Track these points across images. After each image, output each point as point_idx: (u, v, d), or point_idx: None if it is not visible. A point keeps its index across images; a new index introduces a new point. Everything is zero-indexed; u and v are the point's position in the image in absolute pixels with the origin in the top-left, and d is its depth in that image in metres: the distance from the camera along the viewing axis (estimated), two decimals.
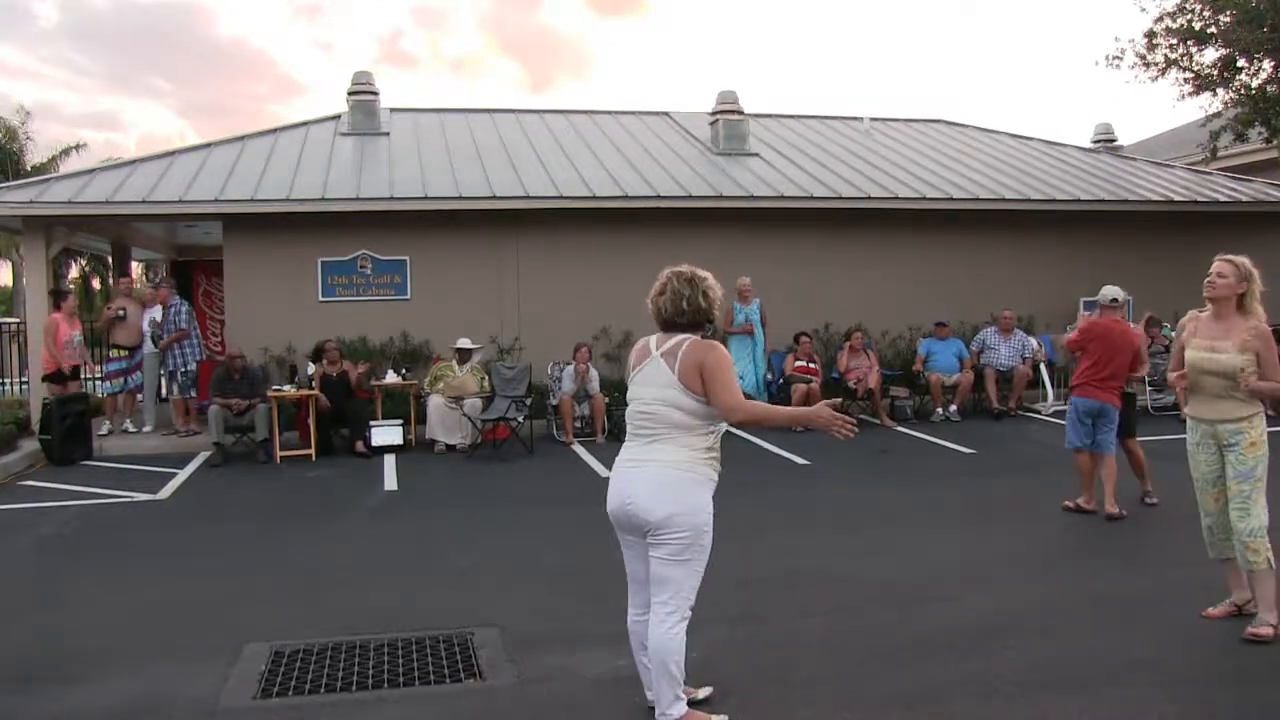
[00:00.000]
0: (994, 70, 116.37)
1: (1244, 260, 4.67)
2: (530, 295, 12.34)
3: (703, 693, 3.85)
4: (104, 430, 11.29)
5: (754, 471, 9.06)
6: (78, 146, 26.07)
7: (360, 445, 10.44)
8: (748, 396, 13.45)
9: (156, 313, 11.46)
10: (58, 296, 11.47)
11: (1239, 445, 4.63)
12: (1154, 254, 13.96)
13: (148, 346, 11.45)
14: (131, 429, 11.58)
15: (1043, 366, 12.69)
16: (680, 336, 3.65)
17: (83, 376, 11.64)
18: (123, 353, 11.50)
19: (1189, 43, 13.48)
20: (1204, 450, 4.80)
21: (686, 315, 3.66)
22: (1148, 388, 11.97)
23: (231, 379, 10.46)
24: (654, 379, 3.64)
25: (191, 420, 11.37)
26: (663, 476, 3.58)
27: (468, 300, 12.12)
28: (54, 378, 10.86)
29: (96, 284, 28.89)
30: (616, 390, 11.25)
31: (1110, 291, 7.35)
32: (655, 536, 3.60)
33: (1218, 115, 14.05)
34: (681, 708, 3.69)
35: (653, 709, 3.79)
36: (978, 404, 12.45)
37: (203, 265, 16.28)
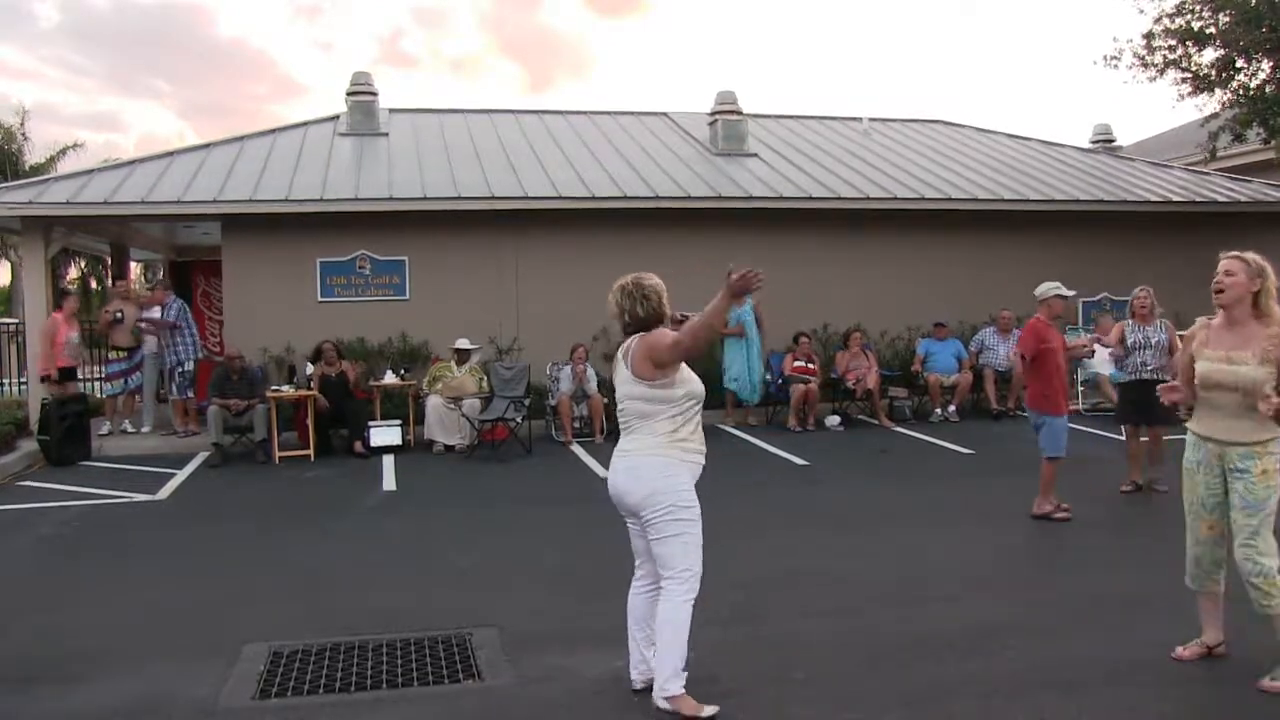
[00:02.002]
0: (994, 70, 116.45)
1: (1253, 255, 4.15)
2: (529, 295, 12.34)
3: (708, 711, 3.85)
4: (104, 431, 11.29)
5: (753, 472, 9.06)
6: (74, 146, 26.07)
7: (359, 445, 10.44)
8: (742, 400, 13.21)
9: (154, 314, 11.45)
10: (60, 297, 11.45)
11: (1249, 473, 4.06)
12: (1152, 254, 13.95)
13: (147, 348, 11.45)
14: (130, 429, 11.58)
15: None
16: (632, 338, 3.99)
17: (80, 377, 11.62)
18: (122, 354, 11.50)
19: (1187, 43, 13.48)
20: (1205, 471, 4.23)
21: (632, 326, 4.00)
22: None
23: (230, 379, 10.46)
24: (621, 378, 4.02)
25: (190, 421, 11.37)
26: (637, 462, 3.91)
27: (467, 300, 12.12)
28: (61, 378, 10.90)
29: (94, 285, 28.87)
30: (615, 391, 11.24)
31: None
32: (642, 518, 3.89)
33: (1216, 116, 14.06)
34: (679, 685, 3.84)
35: (638, 690, 4.00)
36: (976, 404, 12.46)
37: (202, 266, 16.27)
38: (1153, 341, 7.73)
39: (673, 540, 3.85)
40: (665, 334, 3.89)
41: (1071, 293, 7.47)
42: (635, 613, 4.08)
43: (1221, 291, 4.17)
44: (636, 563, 4.12)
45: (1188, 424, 4.37)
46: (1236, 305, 4.15)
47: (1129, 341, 7.83)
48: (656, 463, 3.86)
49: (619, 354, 4.02)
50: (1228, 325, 4.20)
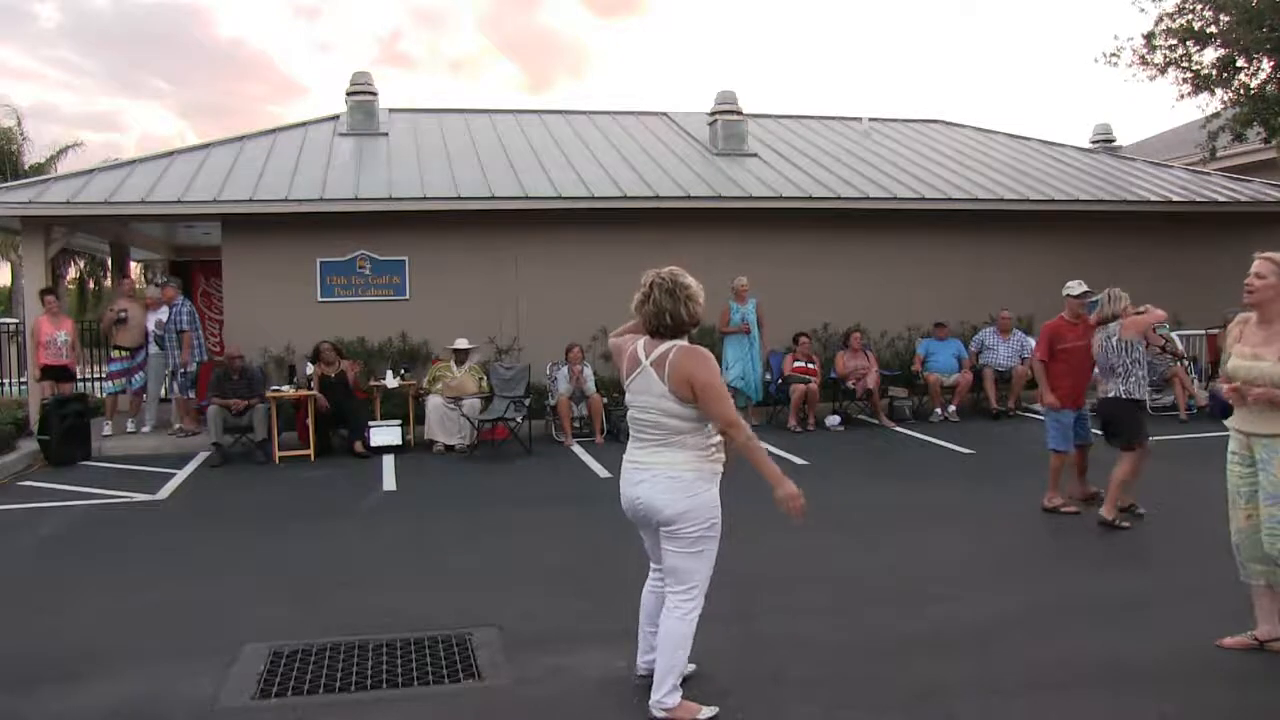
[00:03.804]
0: (994, 70, 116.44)
1: None
2: (529, 295, 12.34)
3: (706, 712, 3.86)
4: (107, 430, 11.28)
5: (753, 471, 9.01)
6: (74, 145, 26.03)
7: (359, 445, 10.43)
8: (746, 399, 13.15)
9: (164, 314, 11.45)
10: (42, 296, 11.41)
11: (1272, 464, 4.17)
12: (1152, 254, 13.97)
13: (152, 347, 11.44)
14: (131, 429, 11.58)
15: None
16: (666, 345, 3.72)
17: (79, 377, 11.56)
18: (124, 353, 11.49)
19: (1188, 42, 13.48)
20: (1239, 462, 4.35)
21: (670, 328, 3.72)
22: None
23: (230, 379, 10.46)
24: (648, 388, 3.73)
25: (190, 420, 11.36)
26: (672, 478, 3.72)
27: (466, 300, 12.12)
28: (43, 375, 10.87)
29: (92, 285, 28.84)
30: (615, 390, 11.24)
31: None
32: (668, 530, 3.76)
33: (1216, 115, 14.06)
34: (676, 698, 3.82)
35: (643, 678, 4.00)
36: (976, 404, 12.45)
37: (202, 265, 16.28)
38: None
39: (696, 556, 3.77)
40: (727, 396, 3.70)
41: (1081, 290, 7.41)
42: (647, 609, 4.06)
43: (1251, 292, 4.29)
44: (652, 564, 4.08)
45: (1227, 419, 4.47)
46: (1267, 306, 4.27)
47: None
48: (693, 478, 3.72)
49: (644, 359, 3.74)
50: (1259, 323, 4.33)
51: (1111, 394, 6.81)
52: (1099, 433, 7.18)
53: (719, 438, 3.80)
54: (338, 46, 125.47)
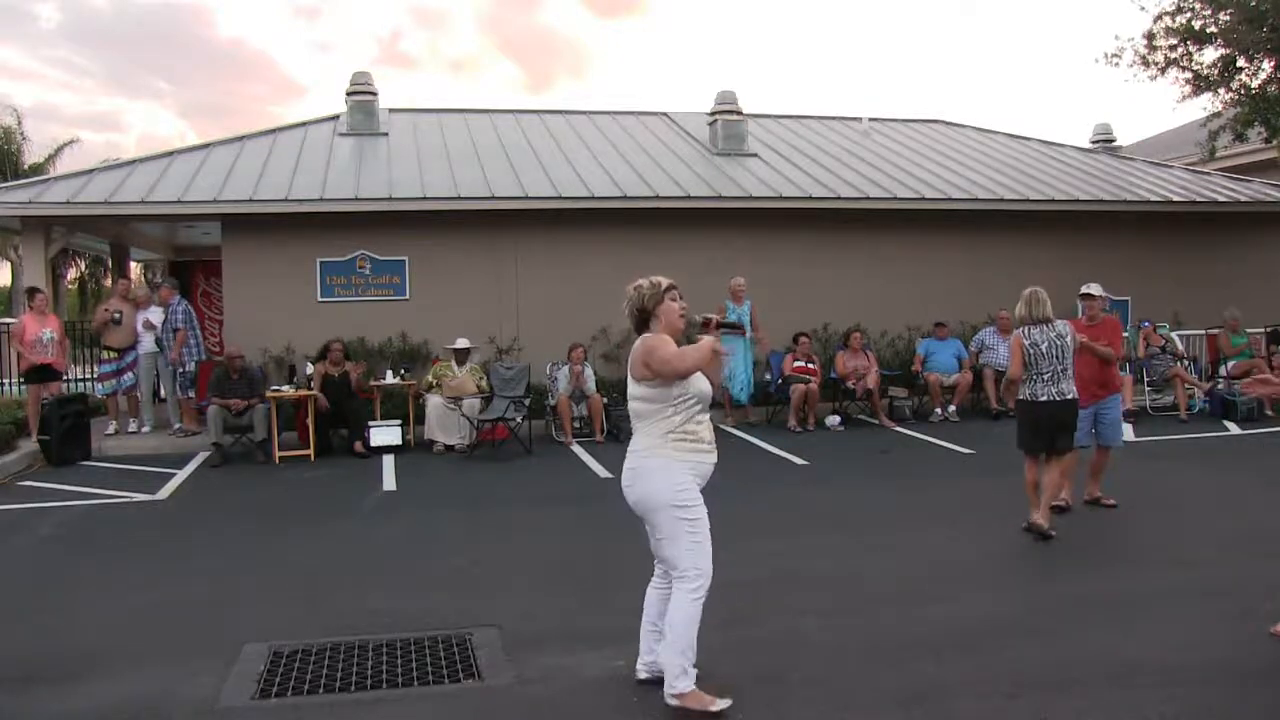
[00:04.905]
0: (993, 70, 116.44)
1: None
2: (529, 295, 12.34)
3: (720, 704, 3.88)
4: (110, 431, 11.27)
5: (752, 471, 9.05)
6: (71, 143, 26.08)
7: (359, 445, 10.43)
8: (736, 399, 13.24)
9: (153, 313, 11.43)
10: (30, 295, 11.37)
11: None
12: (1152, 254, 13.99)
13: (142, 347, 11.41)
14: (131, 429, 11.57)
15: None
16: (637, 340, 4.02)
17: (70, 376, 11.51)
18: (113, 354, 11.44)
19: (1188, 42, 13.47)
20: None
21: (636, 321, 4.05)
22: (1146, 387, 12.00)
23: (230, 379, 10.46)
24: (627, 378, 4.07)
25: (190, 421, 11.35)
26: (632, 464, 3.98)
27: (466, 300, 12.12)
28: (29, 376, 10.83)
29: (92, 285, 28.87)
30: (615, 390, 11.25)
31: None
32: (644, 517, 3.99)
33: (1217, 115, 14.05)
34: (688, 683, 3.88)
35: (645, 681, 4.09)
36: (976, 404, 12.45)
37: (202, 265, 16.28)
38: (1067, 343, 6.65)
39: (674, 541, 3.88)
40: (665, 346, 3.86)
41: (1085, 290, 7.56)
42: (649, 607, 4.13)
43: None
44: (656, 563, 4.14)
45: None
46: None
47: (1043, 347, 6.59)
48: (653, 463, 3.88)
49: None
50: None
51: (1069, 396, 6.62)
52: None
53: (692, 424, 3.92)
54: (338, 46, 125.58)
